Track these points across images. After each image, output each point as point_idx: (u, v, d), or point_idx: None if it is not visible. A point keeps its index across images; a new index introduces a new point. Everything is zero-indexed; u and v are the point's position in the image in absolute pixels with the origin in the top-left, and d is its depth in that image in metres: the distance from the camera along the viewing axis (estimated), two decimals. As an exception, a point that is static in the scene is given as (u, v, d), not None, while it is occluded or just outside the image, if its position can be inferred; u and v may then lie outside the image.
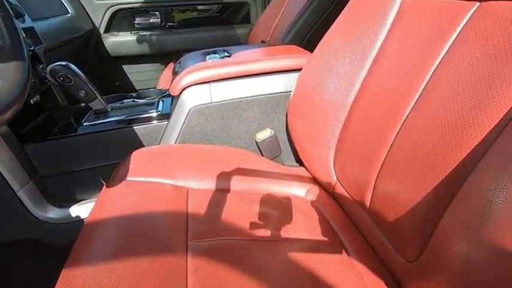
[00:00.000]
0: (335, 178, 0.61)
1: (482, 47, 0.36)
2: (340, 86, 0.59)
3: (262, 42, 1.35)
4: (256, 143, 0.81)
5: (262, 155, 0.81)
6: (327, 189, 0.64)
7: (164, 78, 1.35)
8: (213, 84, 0.75)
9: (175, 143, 0.78)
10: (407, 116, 0.44)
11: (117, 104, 0.88)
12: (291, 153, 0.84)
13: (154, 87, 1.46)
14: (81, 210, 0.79)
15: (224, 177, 0.65)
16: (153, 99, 0.90)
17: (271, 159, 0.78)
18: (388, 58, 0.52)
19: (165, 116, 0.81)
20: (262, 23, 1.48)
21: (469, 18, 0.40)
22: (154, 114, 0.82)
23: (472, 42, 0.38)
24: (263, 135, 0.79)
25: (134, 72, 1.69)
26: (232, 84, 0.76)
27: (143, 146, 0.81)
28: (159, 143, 0.81)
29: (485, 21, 0.37)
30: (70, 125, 0.82)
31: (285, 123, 0.82)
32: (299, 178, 0.68)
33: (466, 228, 0.32)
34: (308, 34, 1.08)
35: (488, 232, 0.29)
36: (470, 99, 0.36)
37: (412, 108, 0.44)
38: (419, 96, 0.44)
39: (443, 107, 0.39)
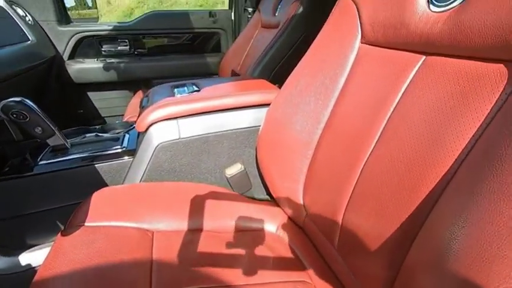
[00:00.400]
0: (305, 213, 0.61)
1: (432, 93, 0.39)
2: (306, 123, 0.60)
3: (233, 71, 1.38)
4: (227, 178, 0.79)
5: (232, 190, 0.80)
6: (297, 223, 0.64)
7: (132, 107, 1.31)
8: (180, 120, 0.74)
9: (141, 181, 0.75)
10: (370, 154, 0.46)
11: (78, 139, 0.83)
12: (262, 187, 0.84)
13: (122, 115, 1.41)
14: (32, 257, 0.71)
15: (192, 216, 0.62)
16: (118, 133, 0.86)
17: (241, 194, 0.77)
18: (350, 99, 0.54)
19: (131, 153, 0.78)
20: (232, 52, 1.52)
21: (418, 69, 0.43)
22: (118, 151, 0.78)
23: (423, 89, 0.41)
24: (233, 170, 0.78)
25: (100, 100, 1.63)
26: (200, 119, 0.75)
27: (106, 185, 0.76)
28: (123, 182, 0.77)
29: (431, 73, 0.41)
30: (24, 163, 0.75)
31: (255, 157, 0.82)
32: (270, 213, 0.67)
33: (427, 271, 0.33)
34: (276, 68, 1.12)
35: (448, 278, 0.30)
36: (425, 140, 0.38)
37: (374, 147, 0.46)
38: (379, 136, 0.46)
39: (402, 147, 0.40)
